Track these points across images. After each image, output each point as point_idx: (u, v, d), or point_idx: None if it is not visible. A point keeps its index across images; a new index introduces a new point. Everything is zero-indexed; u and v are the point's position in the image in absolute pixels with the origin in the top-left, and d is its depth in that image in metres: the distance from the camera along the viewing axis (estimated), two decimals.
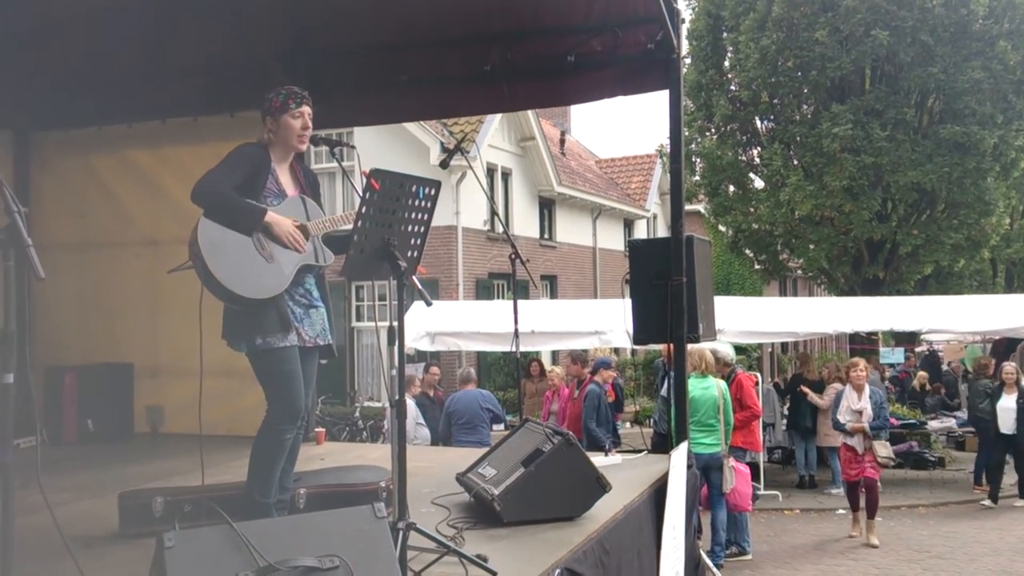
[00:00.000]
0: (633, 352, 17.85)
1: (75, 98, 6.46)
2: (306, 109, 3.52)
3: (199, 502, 3.67)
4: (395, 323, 3.12)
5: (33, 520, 3.08)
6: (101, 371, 6.60)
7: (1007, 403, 10.94)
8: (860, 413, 8.52)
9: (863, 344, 17.42)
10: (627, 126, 75.84)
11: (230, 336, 3.40)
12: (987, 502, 10.53)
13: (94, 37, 5.64)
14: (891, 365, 18.82)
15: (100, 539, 3.64)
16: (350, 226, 3.23)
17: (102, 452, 6.02)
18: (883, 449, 8.57)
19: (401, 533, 2.87)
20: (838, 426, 8.76)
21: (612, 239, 23.78)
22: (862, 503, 8.87)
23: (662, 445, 7.94)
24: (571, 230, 21.43)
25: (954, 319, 11.83)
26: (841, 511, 9.97)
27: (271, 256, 3.36)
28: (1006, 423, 10.90)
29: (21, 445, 3.41)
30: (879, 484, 8.83)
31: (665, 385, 8.49)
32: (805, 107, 17.42)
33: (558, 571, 3.22)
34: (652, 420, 9.86)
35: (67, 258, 6.57)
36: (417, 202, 3.23)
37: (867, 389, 8.65)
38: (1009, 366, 11.64)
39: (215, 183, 3.28)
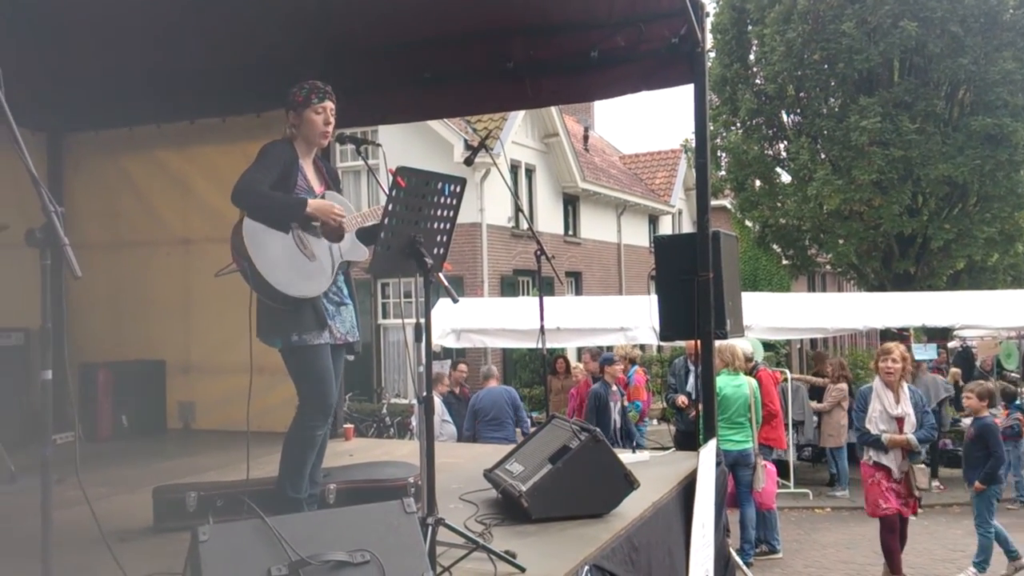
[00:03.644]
0: (659, 348, 17.77)
1: (106, 100, 6.55)
2: (328, 104, 3.54)
3: (232, 497, 3.72)
4: (422, 320, 3.14)
5: (70, 514, 3.14)
6: (134, 368, 6.70)
7: None
8: (900, 421, 6.30)
9: (894, 340, 17.20)
10: (651, 121, 75.48)
11: (265, 332, 3.43)
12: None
13: (124, 40, 5.71)
14: (923, 361, 18.56)
15: (135, 533, 3.69)
16: (379, 218, 3.25)
17: (136, 448, 6.12)
18: (923, 476, 6.34)
19: (430, 528, 2.89)
20: (867, 439, 6.39)
21: (637, 235, 23.70)
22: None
23: (685, 442, 7.91)
24: (595, 226, 21.38)
25: (987, 314, 11.68)
26: None
27: (313, 255, 3.41)
28: None
29: (58, 441, 3.48)
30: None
31: (689, 382, 8.46)
32: (832, 100, 17.23)
33: (587, 567, 3.22)
34: (675, 417, 9.81)
35: (100, 257, 6.67)
36: (443, 199, 3.24)
37: (905, 387, 6.46)
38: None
39: (253, 183, 3.30)
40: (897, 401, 6.36)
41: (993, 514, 7.29)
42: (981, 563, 7.31)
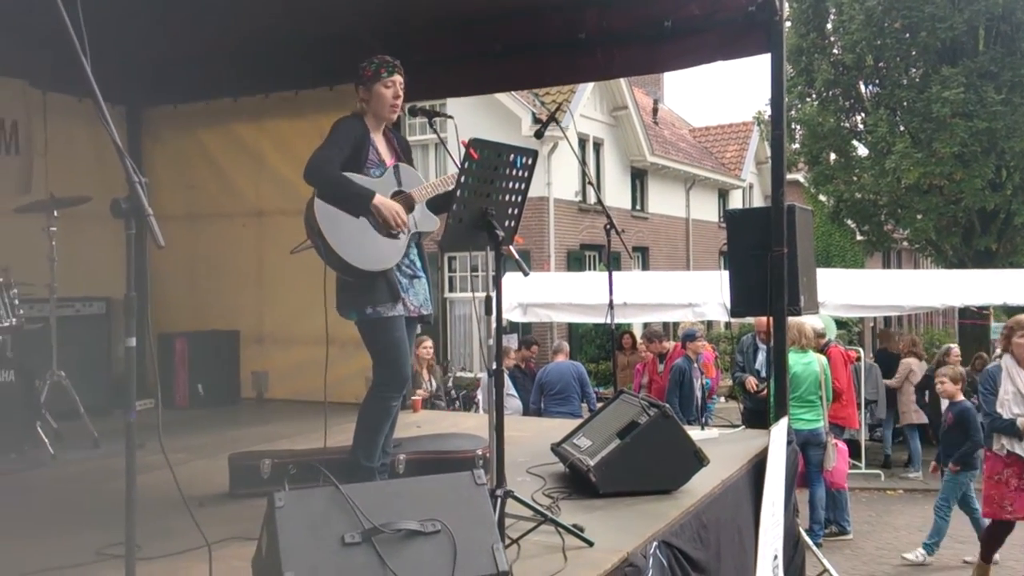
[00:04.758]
0: (727, 325, 17.52)
1: (184, 74, 6.69)
2: (397, 78, 3.56)
3: (304, 464, 3.80)
4: (492, 293, 3.14)
5: (149, 478, 3.24)
6: (210, 338, 6.86)
7: None
8: None
9: (973, 319, 16.62)
10: (722, 94, 73.96)
11: (340, 306, 3.52)
12: None
13: (201, 14, 5.80)
14: None
15: (212, 498, 3.81)
16: (450, 187, 3.27)
17: (212, 416, 6.28)
18: None
19: (499, 500, 2.90)
20: (999, 425, 5.61)
21: (706, 210, 23.31)
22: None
23: (754, 420, 7.79)
24: (663, 201, 21.10)
25: None
26: None
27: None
28: None
29: (138, 407, 3.58)
30: None
31: (758, 360, 8.30)
32: (913, 70, 16.59)
33: (655, 544, 3.19)
34: (743, 395, 9.67)
35: (177, 228, 6.80)
36: (514, 171, 3.22)
37: None
38: (955, 348, 10.87)
39: (326, 165, 3.37)
40: None
41: (956, 501, 7.08)
42: (932, 544, 7.23)
